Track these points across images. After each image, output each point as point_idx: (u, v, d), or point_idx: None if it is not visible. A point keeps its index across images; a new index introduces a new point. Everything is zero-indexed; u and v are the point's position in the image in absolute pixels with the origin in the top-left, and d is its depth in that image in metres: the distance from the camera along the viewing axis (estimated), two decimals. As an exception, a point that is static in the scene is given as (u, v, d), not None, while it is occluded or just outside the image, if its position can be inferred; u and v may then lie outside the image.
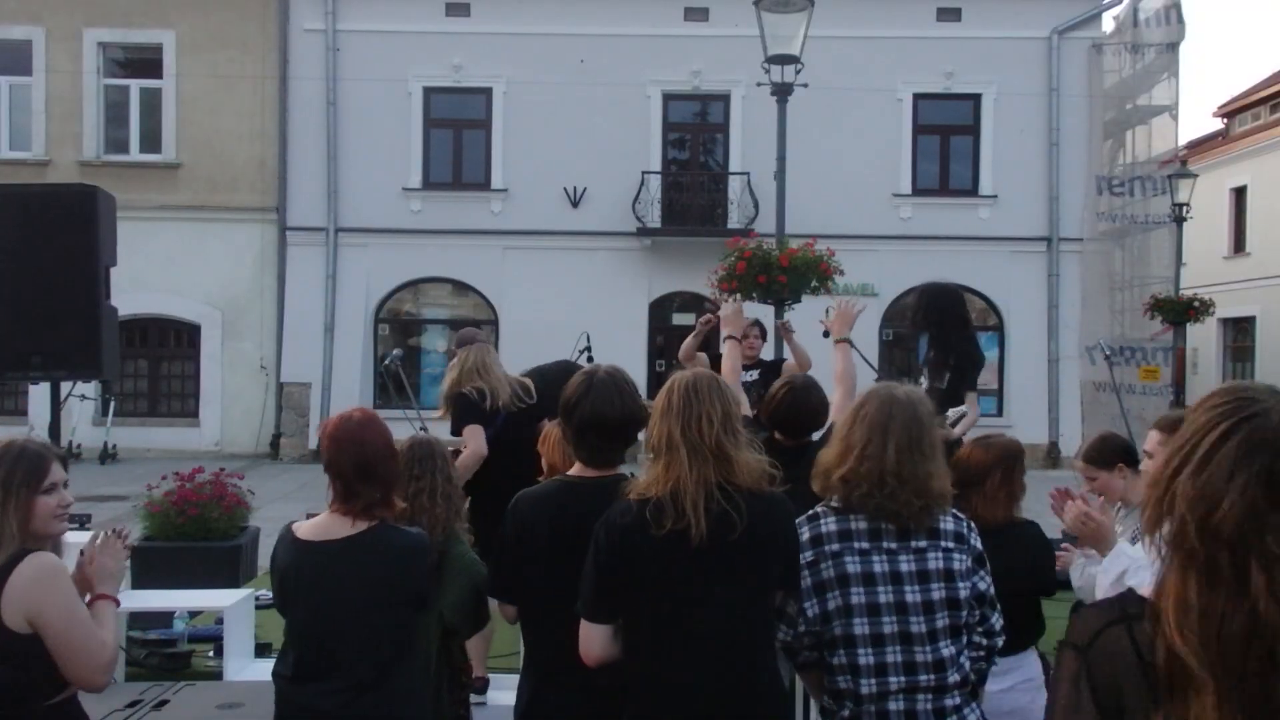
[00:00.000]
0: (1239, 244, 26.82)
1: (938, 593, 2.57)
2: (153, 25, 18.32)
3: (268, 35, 18.42)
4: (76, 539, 3.14)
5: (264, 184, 18.51)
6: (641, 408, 2.84)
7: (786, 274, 9.74)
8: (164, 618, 6.38)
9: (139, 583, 6.52)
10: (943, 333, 5.86)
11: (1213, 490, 1.31)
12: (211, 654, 6.11)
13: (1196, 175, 19.42)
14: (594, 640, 2.54)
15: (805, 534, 2.64)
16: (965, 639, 2.63)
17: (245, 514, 7.17)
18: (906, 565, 2.58)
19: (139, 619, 6.19)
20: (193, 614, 6.40)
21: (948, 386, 5.67)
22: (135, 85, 18.72)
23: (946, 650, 2.56)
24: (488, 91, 18.68)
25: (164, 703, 4.91)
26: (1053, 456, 17.87)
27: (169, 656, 6.00)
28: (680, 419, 2.50)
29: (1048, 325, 18.63)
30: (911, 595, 2.56)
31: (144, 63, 18.74)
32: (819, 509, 2.70)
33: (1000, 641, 2.75)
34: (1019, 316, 18.77)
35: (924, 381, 5.79)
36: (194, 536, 6.79)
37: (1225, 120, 29.48)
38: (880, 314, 18.67)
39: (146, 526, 6.93)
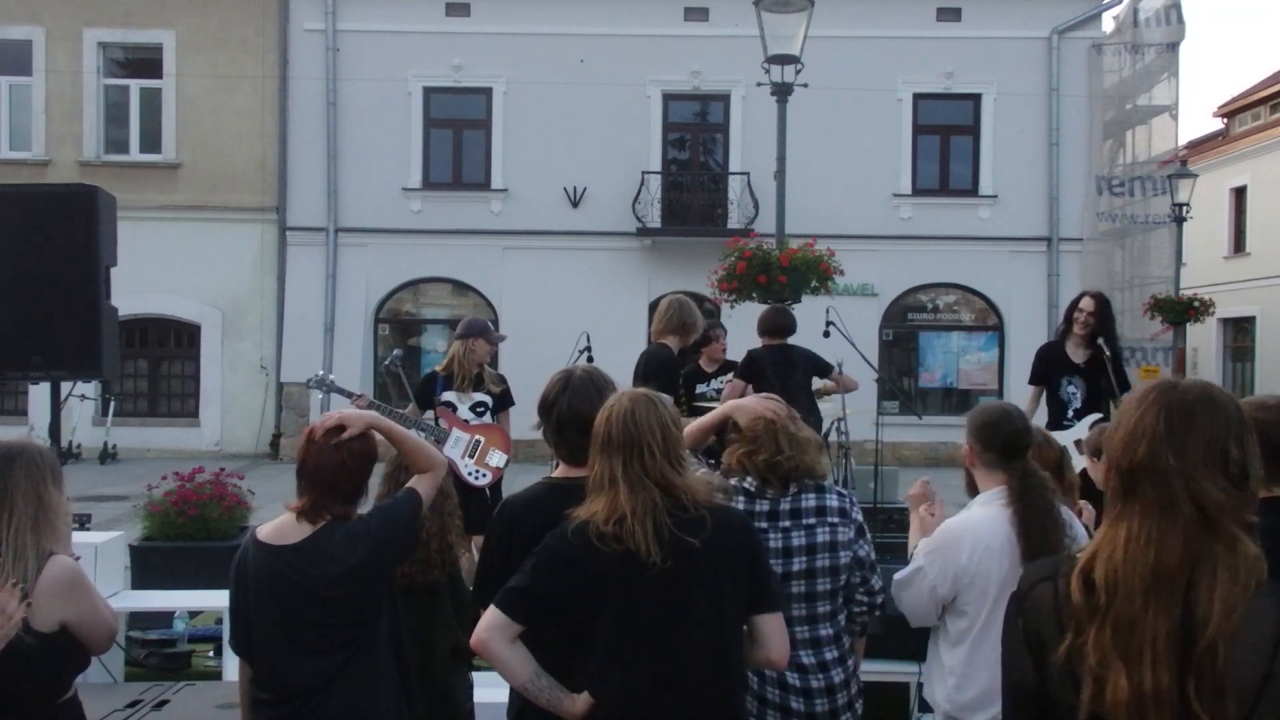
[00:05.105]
0: (1239, 244, 26.80)
1: (822, 561, 3.02)
2: (153, 25, 18.31)
3: (268, 35, 18.41)
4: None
5: (264, 184, 18.51)
6: None
7: (786, 274, 9.73)
8: (164, 618, 6.38)
9: (139, 583, 6.52)
10: (1111, 337, 6.54)
11: (1132, 439, 1.66)
12: (211, 654, 6.12)
13: (1196, 175, 19.40)
14: (495, 628, 2.39)
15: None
16: (842, 602, 3.07)
17: (245, 514, 7.16)
18: (799, 540, 3.01)
19: (139, 619, 6.20)
20: (193, 614, 6.40)
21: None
22: (135, 85, 18.72)
23: (825, 630, 3.01)
24: (488, 91, 18.68)
25: (164, 703, 4.90)
26: (1053, 456, 17.84)
27: (169, 656, 6.01)
28: (621, 454, 2.45)
29: (1048, 325, 18.58)
30: (799, 565, 3.00)
31: (144, 63, 18.74)
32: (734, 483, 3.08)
33: (880, 599, 3.16)
34: (1019, 316, 18.76)
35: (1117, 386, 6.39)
36: (194, 536, 6.78)
37: (1225, 120, 29.47)
38: (880, 314, 18.69)
39: (146, 526, 6.93)
